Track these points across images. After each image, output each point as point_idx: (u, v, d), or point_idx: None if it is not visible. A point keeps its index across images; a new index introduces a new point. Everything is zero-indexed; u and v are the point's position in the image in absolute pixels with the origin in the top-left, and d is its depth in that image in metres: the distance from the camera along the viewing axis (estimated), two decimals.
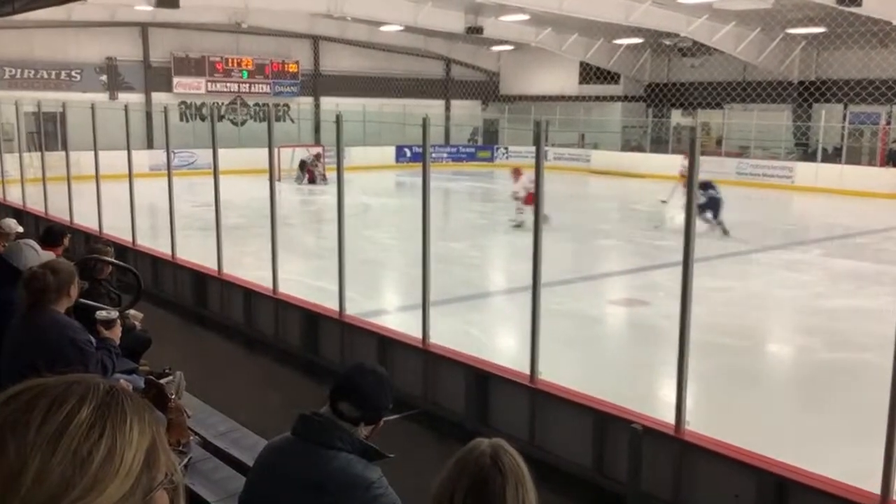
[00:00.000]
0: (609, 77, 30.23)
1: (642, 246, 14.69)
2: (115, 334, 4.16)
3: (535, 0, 21.09)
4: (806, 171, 24.20)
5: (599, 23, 23.23)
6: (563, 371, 6.18)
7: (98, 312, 4.27)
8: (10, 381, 0.85)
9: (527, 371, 5.98)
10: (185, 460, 4.39)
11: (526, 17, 24.72)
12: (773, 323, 10.16)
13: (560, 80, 31.21)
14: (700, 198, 14.05)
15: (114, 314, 4.30)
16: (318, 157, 24.69)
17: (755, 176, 25.12)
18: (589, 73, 30.66)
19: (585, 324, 9.43)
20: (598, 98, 30.54)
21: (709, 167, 23.39)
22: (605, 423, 5.45)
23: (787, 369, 8.37)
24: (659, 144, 29.49)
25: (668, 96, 28.34)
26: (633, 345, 8.90)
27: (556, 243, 12.16)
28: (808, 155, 25.77)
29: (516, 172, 15.96)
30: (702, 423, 5.20)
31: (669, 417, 5.13)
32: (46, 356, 3.46)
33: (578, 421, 5.62)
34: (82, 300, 4.35)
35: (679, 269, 5.13)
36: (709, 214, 14.81)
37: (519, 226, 15.20)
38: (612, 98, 30.74)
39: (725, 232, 14.84)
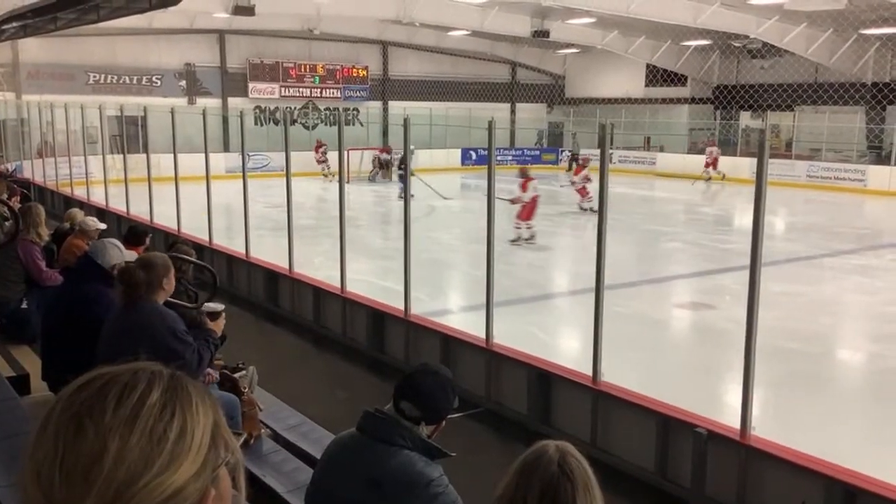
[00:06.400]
0: (676, 79, 29.80)
1: (709, 249, 14.49)
2: (219, 326, 4.30)
3: (602, 3, 20.95)
4: (879, 175, 23.47)
5: (667, 25, 22.94)
6: (625, 373, 6.18)
7: (206, 304, 4.45)
8: None
9: (589, 372, 6.00)
10: (241, 440, 4.54)
11: (592, 20, 24.56)
12: (843, 329, 9.92)
13: (626, 82, 30.90)
14: None
15: (220, 307, 4.43)
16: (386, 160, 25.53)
17: (826, 179, 24.56)
18: (655, 76, 30.28)
19: (649, 326, 9.36)
20: (664, 100, 30.12)
21: (778, 170, 23.04)
22: (668, 427, 5.43)
23: (858, 377, 8.18)
24: (727, 147, 28.93)
25: (737, 98, 27.76)
26: (697, 348, 8.81)
27: (621, 246, 12.10)
28: (881, 158, 24.98)
29: (525, 178, 14.54)
30: (768, 429, 5.15)
31: (734, 422, 5.09)
32: (148, 345, 3.65)
33: (641, 424, 5.61)
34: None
35: (746, 273, 5.10)
36: None
37: (516, 241, 14.02)
38: (679, 100, 30.29)
39: None
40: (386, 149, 26.47)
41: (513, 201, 13.89)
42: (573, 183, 18.93)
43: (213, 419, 0.87)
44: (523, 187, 14.30)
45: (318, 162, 24.57)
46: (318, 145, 25.04)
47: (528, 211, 14.12)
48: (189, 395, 0.86)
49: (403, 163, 18.74)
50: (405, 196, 8.08)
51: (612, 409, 5.85)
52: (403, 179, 18.57)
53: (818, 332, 9.14)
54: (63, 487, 0.77)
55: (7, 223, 7.42)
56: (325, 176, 24.23)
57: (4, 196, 7.84)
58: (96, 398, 0.81)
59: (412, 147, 25.13)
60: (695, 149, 30.14)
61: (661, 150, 30.13)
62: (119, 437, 0.78)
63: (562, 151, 32.49)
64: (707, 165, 25.35)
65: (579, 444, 1.96)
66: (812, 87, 25.82)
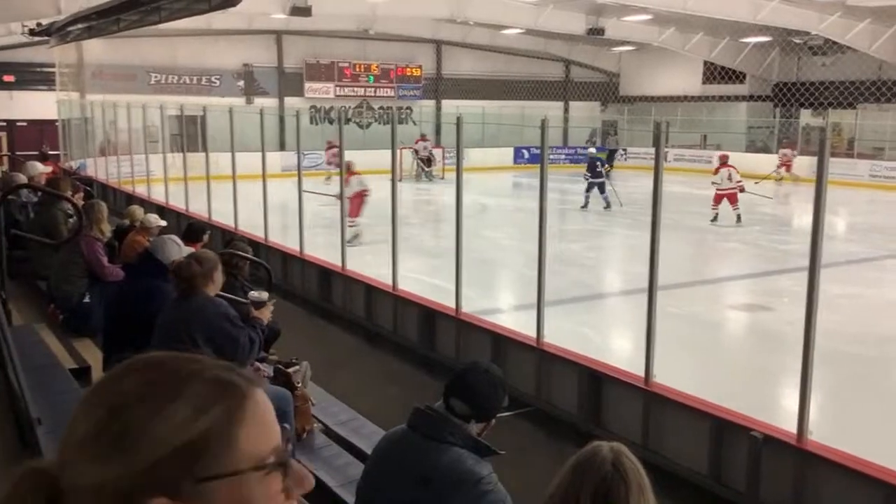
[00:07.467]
0: (734, 76, 29.21)
1: (766, 249, 14.19)
2: (265, 315, 4.47)
3: None
4: None
5: (725, 21, 22.51)
6: (678, 375, 6.09)
7: (250, 293, 4.61)
8: None
9: (641, 373, 5.95)
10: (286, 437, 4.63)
11: (649, 16, 24.24)
12: None
13: (682, 79, 30.41)
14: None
15: (265, 296, 4.60)
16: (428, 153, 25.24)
17: (890, 179, 23.88)
18: (713, 73, 29.73)
19: (703, 328, 9.22)
20: (722, 98, 29.56)
21: (840, 169, 22.38)
22: (722, 430, 5.35)
23: None
24: None
25: (797, 96, 27.10)
26: (753, 350, 8.64)
27: (675, 246, 11.90)
28: None
29: (349, 172, 12.78)
30: (826, 434, 5.03)
31: (791, 426, 5.00)
32: (204, 330, 3.87)
33: (694, 426, 5.54)
34: (220, 292, 4.67)
35: (805, 274, 4.99)
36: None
37: (350, 241, 11.95)
38: (737, 98, 29.69)
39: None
40: (425, 138, 25.84)
41: (338, 197, 12.92)
42: (713, 184, 17.16)
43: (260, 416, 0.85)
44: (347, 182, 13.15)
45: (329, 164, 22.55)
46: (329, 146, 23.15)
47: (354, 207, 13.37)
48: (240, 390, 0.85)
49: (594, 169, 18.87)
50: (457, 195, 8.07)
51: (665, 410, 5.78)
52: (599, 186, 18.30)
53: (880, 335, 8.88)
54: (99, 462, 0.78)
55: (71, 220, 7.67)
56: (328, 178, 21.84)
57: (69, 193, 8.09)
58: (136, 382, 0.82)
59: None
60: (753, 147, 29.49)
61: (719, 148, 29.51)
62: (156, 419, 0.79)
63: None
64: (779, 166, 24.40)
65: (630, 446, 1.95)
66: (876, 85, 25.07)
